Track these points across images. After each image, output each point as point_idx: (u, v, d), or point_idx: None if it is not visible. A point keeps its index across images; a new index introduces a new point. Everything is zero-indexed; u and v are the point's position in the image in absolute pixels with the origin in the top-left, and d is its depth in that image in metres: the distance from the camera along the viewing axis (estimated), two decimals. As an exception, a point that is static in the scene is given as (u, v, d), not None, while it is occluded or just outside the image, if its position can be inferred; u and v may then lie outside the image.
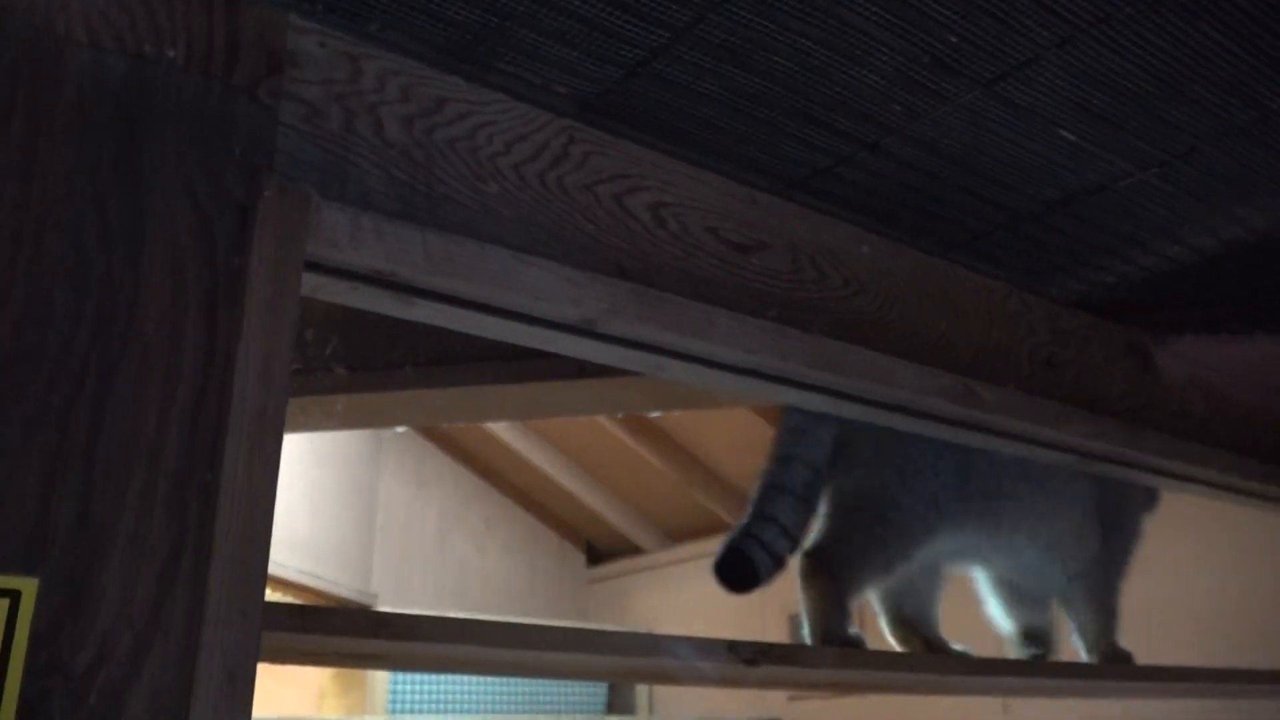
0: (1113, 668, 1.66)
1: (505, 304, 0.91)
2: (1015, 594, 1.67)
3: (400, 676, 3.86)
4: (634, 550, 4.73)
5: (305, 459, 3.75)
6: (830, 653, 1.15)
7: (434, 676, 3.94)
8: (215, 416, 0.71)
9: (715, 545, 3.92)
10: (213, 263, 0.74)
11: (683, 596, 4.41)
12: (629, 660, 1.08)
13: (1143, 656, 1.67)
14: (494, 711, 3.96)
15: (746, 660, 1.08)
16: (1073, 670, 1.63)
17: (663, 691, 4.35)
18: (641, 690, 4.36)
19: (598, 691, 4.33)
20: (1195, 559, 2.65)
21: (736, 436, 3.88)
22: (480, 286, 0.88)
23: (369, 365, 1.10)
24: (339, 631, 0.83)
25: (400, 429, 3.85)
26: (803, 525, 1.41)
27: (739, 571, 1.37)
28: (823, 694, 3.62)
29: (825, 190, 1.16)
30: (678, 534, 4.62)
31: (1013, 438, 1.34)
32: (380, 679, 3.79)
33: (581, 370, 1.34)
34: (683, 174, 1.08)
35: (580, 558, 5.02)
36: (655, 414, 3.21)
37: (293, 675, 4.07)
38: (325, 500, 3.97)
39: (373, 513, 4.39)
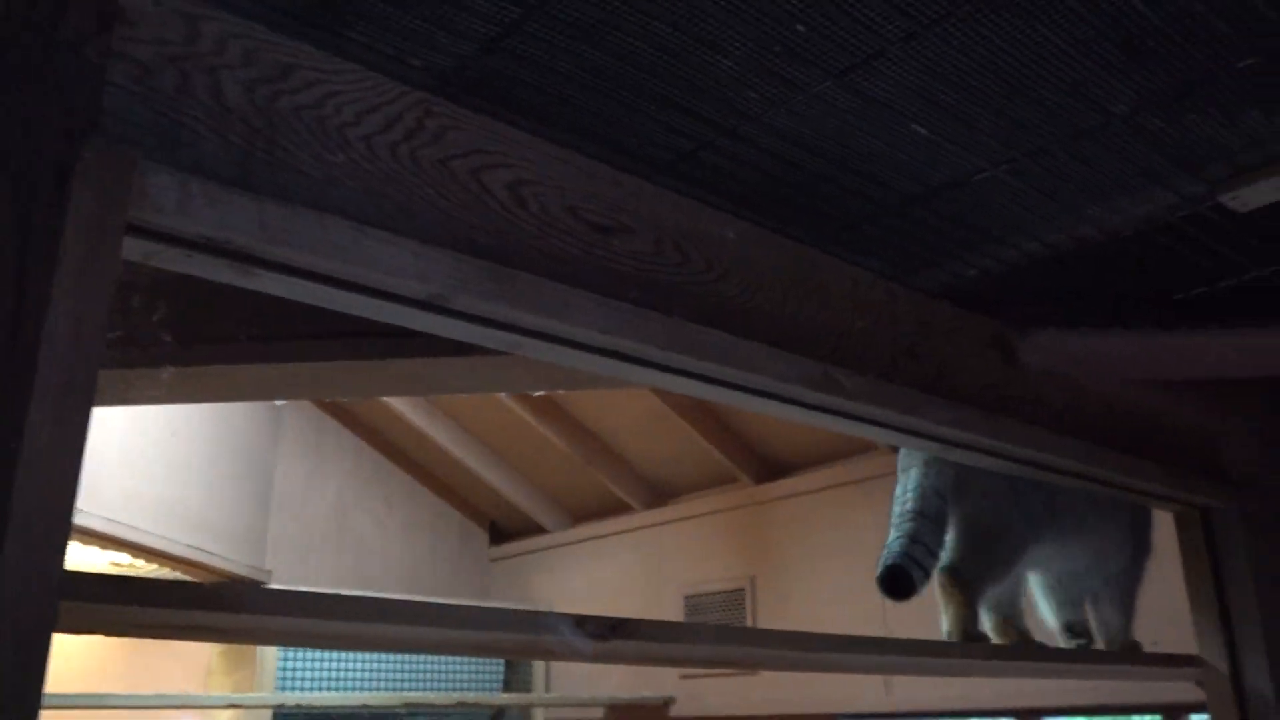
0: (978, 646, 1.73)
1: (350, 277, 0.89)
2: (1064, 595, 1.99)
3: (290, 654, 3.81)
4: (537, 530, 4.72)
5: (196, 431, 3.66)
6: (677, 629, 1.16)
7: (325, 654, 3.89)
8: (18, 384, 0.69)
9: (617, 525, 3.93)
10: (24, 223, 0.72)
11: (584, 576, 4.43)
12: (478, 634, 1.07)
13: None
14: (387, 689, 3.93)
15: (597, 636, 1.09)
16: (933, 649, 1.68)
17: (560, 671, 4.37)
18: (539, 669, 4.37)
19: (495, 670, 4.33)
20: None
21: (639, 418, 3.90)
22: (321, 259, 0.87)
23: (202, 336, 1.08)
24: (158, 603, 0.81)
25: (280, 402, 3.77)
26: (940, 543, 1.73)
27: (900, 585, 1.69)
28: (713, 673, 3.67)
29: (691, 175, 1.17)
30: (580, 514, 4.63)
31: (873, 424, 1.37)
32: (270, 656, 3.73)
33: (459, 348, 1.33)
34: (544, 153, 1.08)
35: (483, 537, 5.00)
36: (539, 393, 3.21)
37: (179, 652, 3.99)
38: (217, 474, 3.87)
39: (268, 488, 4.30)
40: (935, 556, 1.72)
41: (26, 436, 0.68)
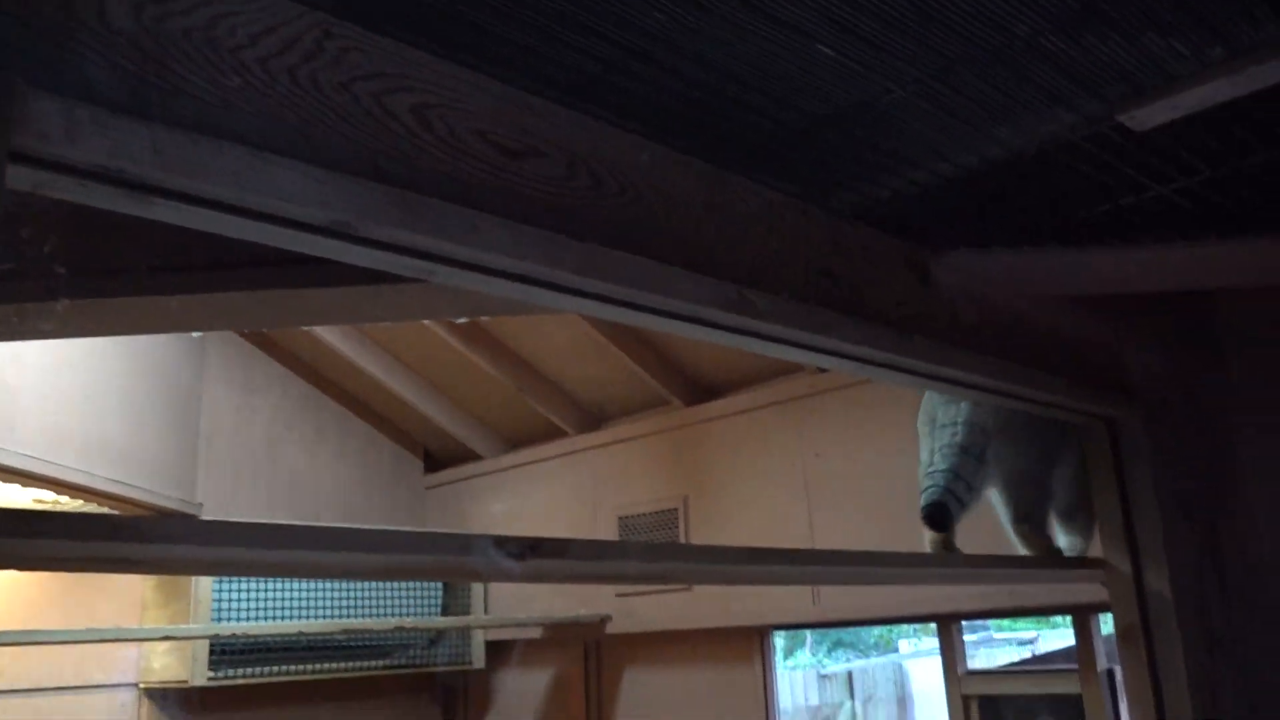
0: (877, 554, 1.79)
1: (250, 204, 0.88)
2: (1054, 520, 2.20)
3: (224, 585, 3.80)
4: (471, 457, 4.74)
5: (117, 366, 3.58)
6: (588, 545, 1.19)
7: (260, 584, 3.89)
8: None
9: (551, 450, 3.96)
10: (-101, 153, 0.69)
11: (521, 501, 4.46)
12: (400, 558, 1.09)
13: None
14: (325, 616, 3.96)
15: (514, 555, 1.12)
16: (854, 559, 1.75)
17: (499, 593, 4.43)
18: (477, 593, 4.42)
19: (433, 594, 4.37)
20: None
21: (570, 343, 3.91)
22: (220, 186, 0.85)
23: (99, 268, 1.06)
24: (72, 537, 0.81)
25: (196, 334, 3.70)
26: (979, 478, 1.95)
27: (941, 520, 1.95)
28: (648, 590, 3.76)
29: (603, 98, 1.16)
30: (514, 440, 4.64)
31: (789, 344, 1.39)
32: (204, 588, 3.72)
33: (369, 276, 1.32)
34: (451, 76, 1.06)
35: (417, 464, 4.99)
36: (460, 320, 3.20)
37: (113, 588, 3.95)
38: (142, 408, 3.80)
39: (196, 421, 4.24)
40: (974, 491, 1.97)
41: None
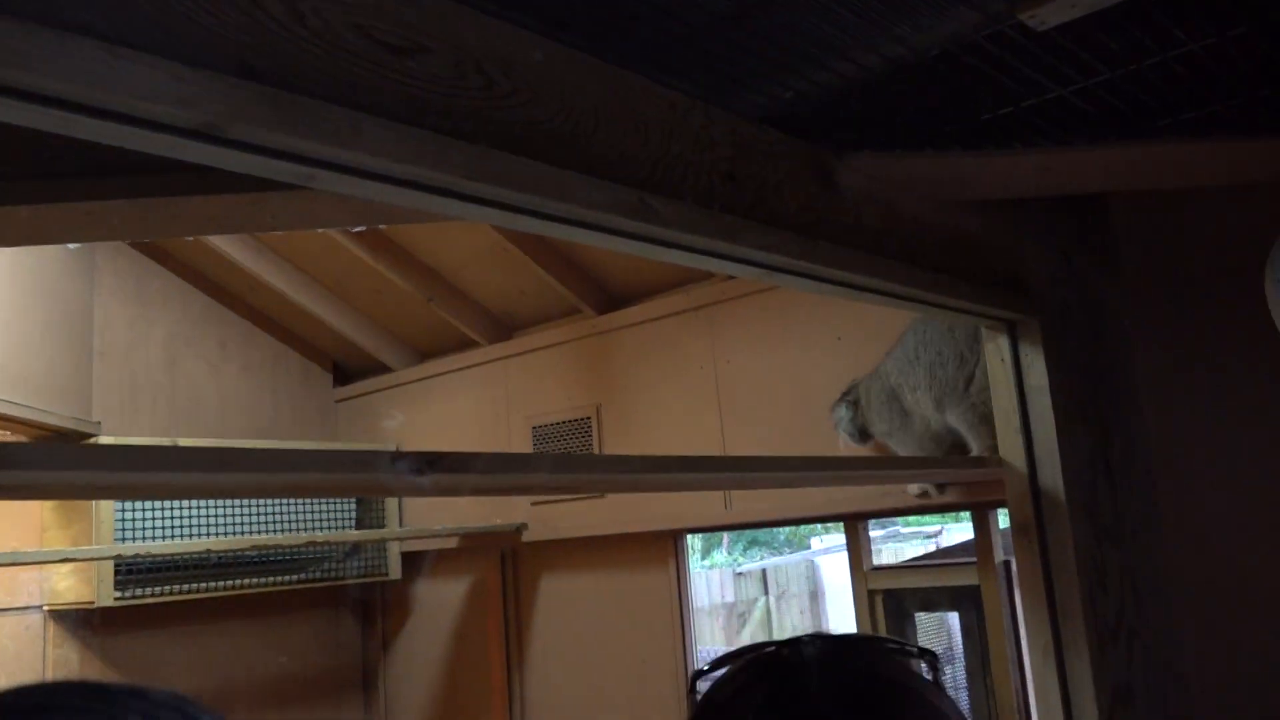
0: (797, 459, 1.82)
1: (103, 104, 0.81)
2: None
3: (126, 505, 3.71)
4: (382, 369, 4.66)
5: (2, 280, 3.40)
6: (492, 459, 1.17)
7: (164, 502, 3.80)
8: None
9: (462, 361, 3.91)
10: None
11: (433, 413, 4.42)
12: (295, 476, 1.05)
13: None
14: (234, 533, 3.90)
15: (415, 470, 1.09)
16: (758, 465, 1.77)
17: (413, 506, 4.42)
18: (391, 506, 4.39)
19: (347, 508, 4.34)
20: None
21: (478, 252, 3.83)
22: (66, 84, 0.78)
23: None
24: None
25: (72, 246, 3.53)
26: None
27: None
28: (562, 499, 3.78)
29: (493, -10, 1.10)
30: (426, 351, 4.58)
31: (692, 251, 1.37)
32: (105, 507, 3.63)
33: (247, 183, 1.25)
34: (325, -36, 0.99)
35: (326, 378, 4.90)
36: (358, 229, 3.10)
37: (7, 508, 3.83)
38: (29, 326, 3.63)
39: (88, 338, 4.08)
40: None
41: None
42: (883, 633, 3.09)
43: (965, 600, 2.99)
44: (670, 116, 1.33)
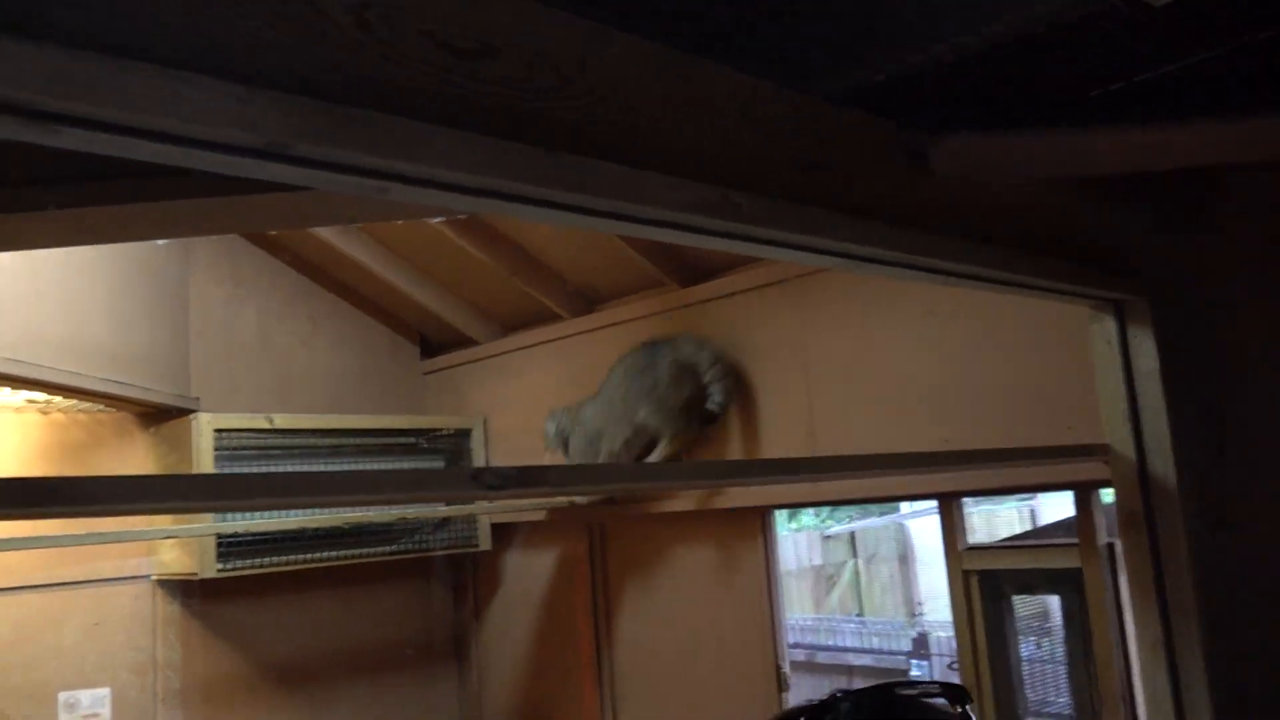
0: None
1: (161, 128, 0.79)
2: None
3: (225, 481, 3.81)
4: (467, 342, 4.69)
5: (101, 265, 3.50)
6: (570, 471, 1.14)
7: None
8: None
9: (545, 334, 3.92)
10: None
11: (517, 385, 4.44)
12: (385, 495, 1.04)
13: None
14: (325, 513, 3.98)
15: (492, 486, 1.06)
16: (852, 464, 1.71)
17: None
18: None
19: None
20: (980, 342, 2.78)
21: (562, 227, 3.81)
22: (128, 112, 0.76)
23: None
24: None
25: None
26: None
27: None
28: (648, 475, 3.76)
29: (564, -16, 1.05)
30: (509, 324, 4.59)
31: (777, 245, 1.31)
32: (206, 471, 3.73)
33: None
34: (390, -33, 0.95)
35: (414, 350, 4.95)
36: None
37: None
38: (130, 307, 3.74)
39: (185, 317, 4.18)
40: None
41: None
42: (978, 617, 3.01)
43: (1066, 583, 2.88)
44: (751, 105, 1.27)
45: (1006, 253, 1.61)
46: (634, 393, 3.24)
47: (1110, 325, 1.92)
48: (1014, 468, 2.57)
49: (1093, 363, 2.04)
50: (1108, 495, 2.69)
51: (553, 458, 3.53)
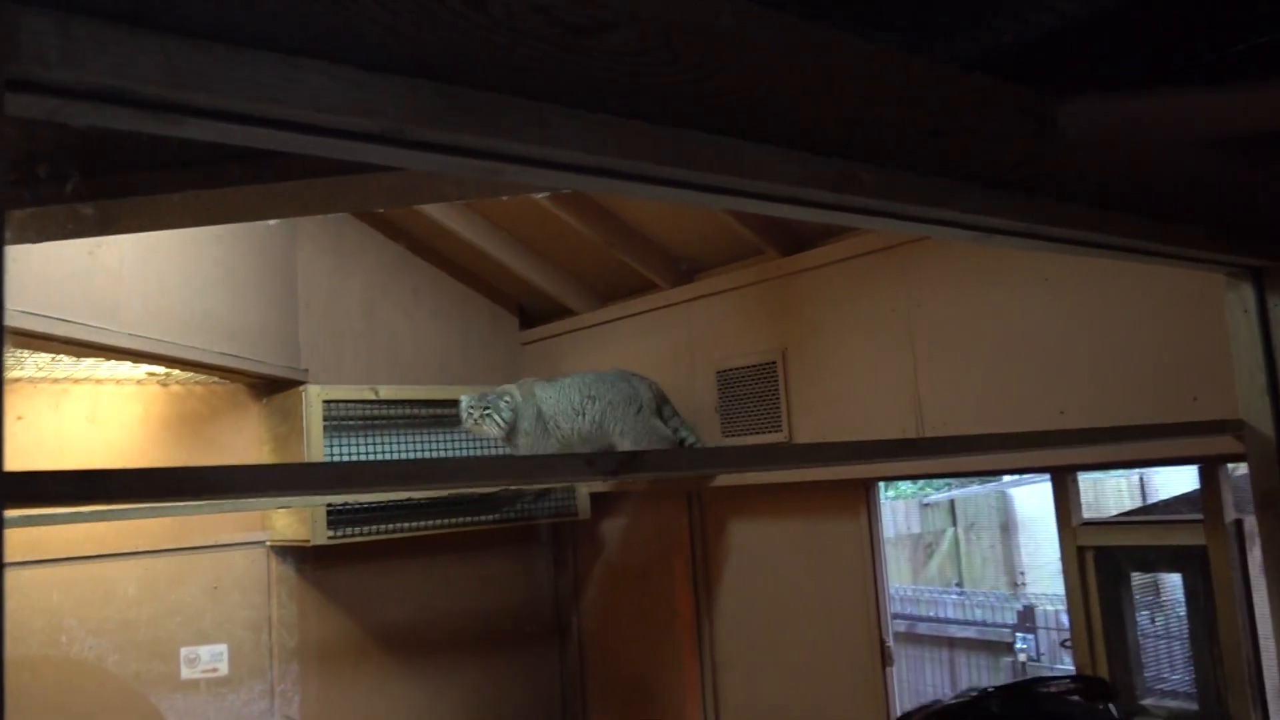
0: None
1: (279, 116, 0.78)
2: None
3: (336, 449, 3.92)
4: (566, 312, 4.70)
5: (215, 242, 3.60)
6: (680, 455, 1.12)
7: (370, 447, 4.00)
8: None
9: (644, 304, 3.90)
10: (-119, 99, 0.61)
11: (615, 355, 4.44)
12: (501, 482, 1.04)
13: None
14: (432, 477, 4.06)
15: (608, 471, 1.05)
16: (957, 445, 1.65)
17: (599, 447, 4.47)
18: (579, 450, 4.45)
19: (536, 451, 4.44)
20: (1098, 308, 2.66)
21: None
22: (247, 101, 0.76)
23: (114, 166, 0.99)
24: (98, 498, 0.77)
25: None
26: None
27: None
28: (750, 437, 3.72)
29: (678, -48, 1.01)
30: (607, 294, 4.59)
31: (898, 218, 1.26)
32: (316, 454, 3.84)
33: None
34: (502, -58, 0.92)
35: (513, 321, 4.99)
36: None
37: (231, 453, 4.11)
38: (242, 282, 3.85)
39: (294, 290, 4.29)
40: None
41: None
42: (1093, 594, 2.91)
43: (1189, 561, 2.75)
44: (871, 73, 1.21)
45: (1138, 220, 1.53)
46: (612, 417, 3.77)
47: (1248, 293, 1.81)
48: (1140, 441, 2.45)
49: (1222, 332, 1.93)
50: (1237, 468, 2.56)
51: (478, 425, 3.69)
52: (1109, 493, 10.44)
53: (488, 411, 3.65)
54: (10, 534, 0.62)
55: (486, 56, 0.89)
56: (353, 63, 0.80)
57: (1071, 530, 2.96)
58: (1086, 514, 3.02)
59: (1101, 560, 2.92)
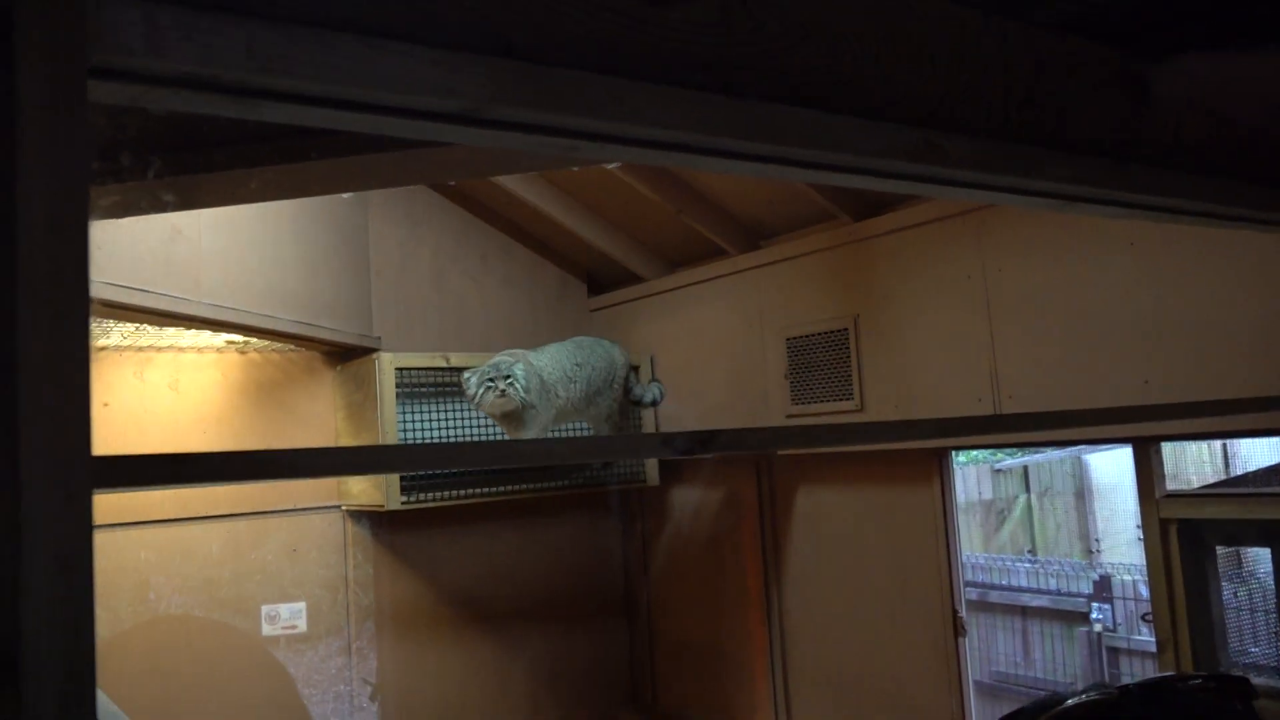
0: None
1: (364, 99, 0.78)
2: None
3: (409, 415, 3.97)
4: (633, 279, 4.69)
5: (289, 211, 3.65)
6: (756, 434, 1.10)
7: (442, 414, 4.05)
8: (2, 283, 0.61)
9: (712, 271, 3.86)
10: (-28, 92, 0.61)
11: (682, 320, 4.42)
12: (580, 457, 1.03)
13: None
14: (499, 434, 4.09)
15: (683, 450, 1.04)
16: (1035, 421, 1.60)
17: (669, 415, 4.47)
18: (648, 415, 4.46)
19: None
20: (1186, 275, 2.56)
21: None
22: (328, 84, 0.75)
23: (190, 143, 0.99)
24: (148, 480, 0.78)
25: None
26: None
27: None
28: (819, 411, 3.69)
29: (759, -83, 0.98)
30: (676, 261, 4.56)
31: (985, 189, 1.22)
32: (389, 421, 3.90)
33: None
34: (579, -87, 0.90)
35: (581, 287, 4.99)
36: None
37: (308, 419, 4.19)
38: (316, 251, 3.90)
39: (366, 258, 4.34)
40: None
41: (20, 339, 0.61)
42: (1176, 567, 2.83)
43: (1278, 536, 2.66)
44: (959, 38, 1.17)
45: (1238, 186, 1.46)
46: (595, 385, 3.94)
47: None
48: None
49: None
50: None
51: (500, 398, 3.61)
52: (1189, 463, 10.15)
53: (509, 381, 3.60)
54: (99, 497, 0.63)
55: (566, 31, 0.87)
56: (431, 43, 0.78)
57: (1154, 502, 2.88)
58: (1168, 484, 2.94)
59: (1185, 533, 2.84)
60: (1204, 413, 1.78)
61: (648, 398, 4.24)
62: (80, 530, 0.61)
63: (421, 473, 3.89)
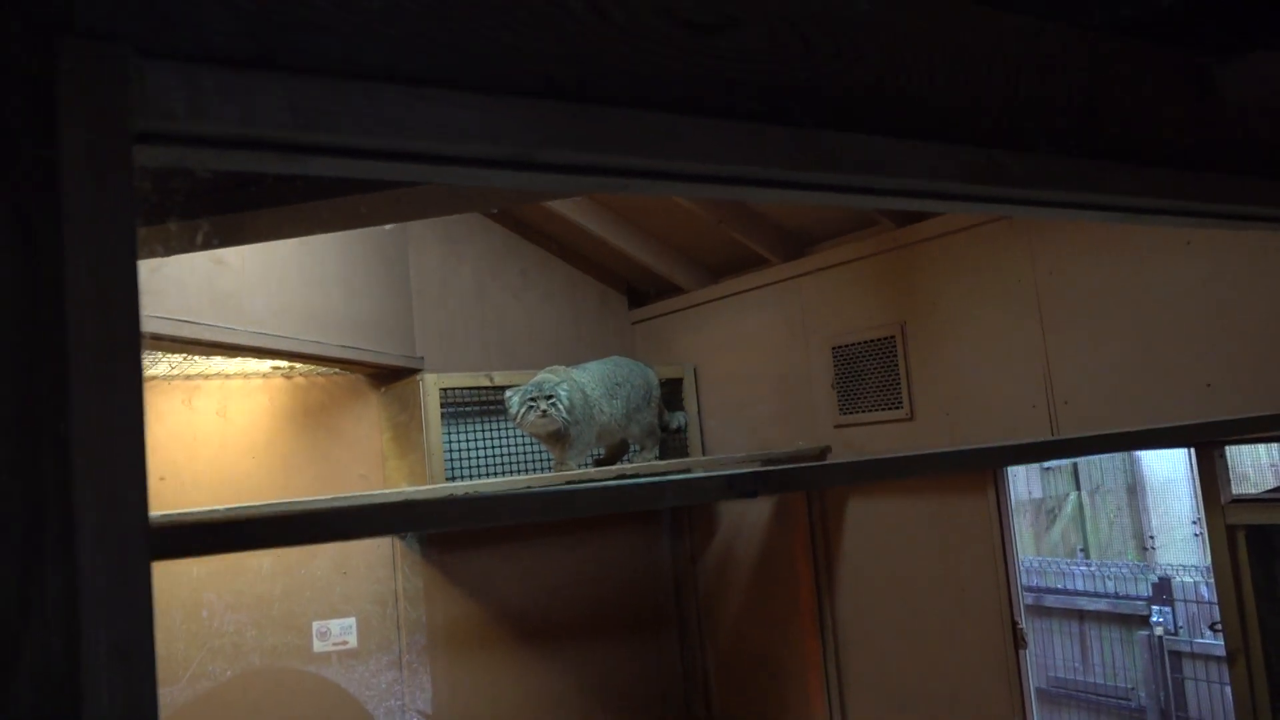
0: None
1: (406, 148, 0.75)
2: None
3: (454, 436, 3.97)
4: (675, 290, 4.66)
5: (328, 238, 3.67)
6: (817, 472, 1.06)
7: (487, 436, 4.04)
8: (53, 355, 0.59)
9: (755, 280, 3.82)
10: (12, 162, 0.60)
11: (725, 331, 4.38)
12: (643, 504, 1.00)
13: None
14: (550, 469, 4.08)
15: (746, 493, 1.00)
16: (1089, 444, 1.54)
17: (714, 427, 4.43)
18: (694, 435, 4.43)
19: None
20: (1246, 275, 2.48)
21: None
22: (373, 137, 0.72)
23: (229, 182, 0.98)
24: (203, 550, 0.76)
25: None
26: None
27: None
28: (867, 421, 3.63)
29: (808, -62, 0.94)
30: (718, 271, 4.52)
31: (1045, 206, 1.17)
32: (435, 444, 3.90)
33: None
34: (623, -57, 0.87)
35: (622, 300, 4.97)
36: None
37: (355, 441, 4.21)
38: (358, 274, 3.91)
39: (406, 279, 4.35)
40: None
41: (76, 415, 0.59)
42: (1245, 575, 2.74)
43: (1355, 541, 2.57)
44: (1017, 48, 1.12)
45: (1312, 188, 1.39)
46: (634, 402, 3.97)
47: None
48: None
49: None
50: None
51: (543, 417, 3.62)
52: (1246, 463, 9.92)
53: (551, 401, 3.59)
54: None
55: (612, 66, 0.84)
56: (478, 87, 0.76)
57: (1220, 508, 2.80)
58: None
59: (1254, 539, 2.75)
60: (1271, 426, 1.72)
61: (674, 424, 4.36)
62: (139, 610, 0.59)
63: (467, 483, 3.89)
